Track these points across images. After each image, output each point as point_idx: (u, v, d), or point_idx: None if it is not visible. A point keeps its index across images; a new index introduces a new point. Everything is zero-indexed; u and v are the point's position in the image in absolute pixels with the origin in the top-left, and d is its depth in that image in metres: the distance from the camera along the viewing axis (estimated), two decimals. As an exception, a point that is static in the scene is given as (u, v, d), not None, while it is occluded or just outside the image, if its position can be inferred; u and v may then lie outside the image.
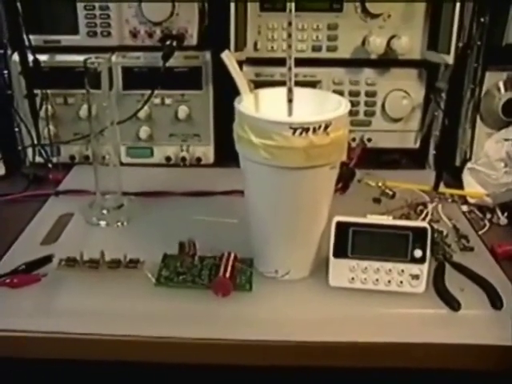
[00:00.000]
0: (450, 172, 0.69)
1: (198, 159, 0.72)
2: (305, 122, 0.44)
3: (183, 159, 0.72)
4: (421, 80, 0.69)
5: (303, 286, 0.51)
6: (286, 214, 0.48)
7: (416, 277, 0.48)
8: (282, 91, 0.49)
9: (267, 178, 0.47)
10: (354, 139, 0.71)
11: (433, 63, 0.68)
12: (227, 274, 0.49)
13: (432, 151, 0.73)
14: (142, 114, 0.70)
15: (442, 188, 0.65)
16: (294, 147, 0.44)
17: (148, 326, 0.46)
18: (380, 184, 0.66)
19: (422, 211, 0.61)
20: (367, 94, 0.70)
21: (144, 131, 0.71)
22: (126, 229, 0.59)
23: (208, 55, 0.68)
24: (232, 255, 0.51)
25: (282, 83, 0.49)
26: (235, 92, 0.49)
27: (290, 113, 0.49)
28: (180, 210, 0.62)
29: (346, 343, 0.45)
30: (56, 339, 0.46)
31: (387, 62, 0.68)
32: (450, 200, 0.64)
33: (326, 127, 0.45)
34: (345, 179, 0.65)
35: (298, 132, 0.44)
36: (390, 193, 0.65)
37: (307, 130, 0.44)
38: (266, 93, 0.51)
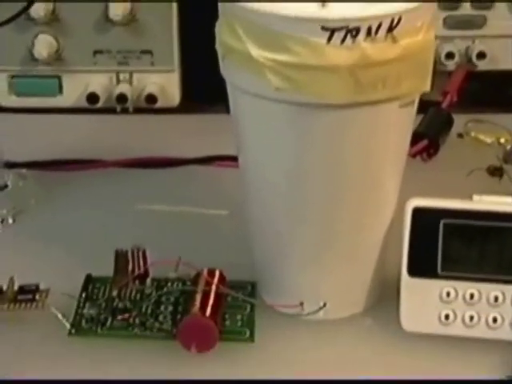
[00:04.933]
0: None
1: (150, 99, 0.74)
2: (350, 17, 0.45)
3: (121, 99, 0.74)
4: None
5: (352, 333, 0.52)
6: (318, 197, 0.50)
7: None
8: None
9: (282, 128, 0.48)
10: (450, 55, 0.73)
11: None
12: (207, 311, 0.50)
13: None
14: (38, 11, 0.71)
15: None
16: (330, 66, 0.45)
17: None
18: (502, 140, 0.68)
19: None
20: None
21: (43, 44, 0.72)
22: (13, 230, 0.62)
23: None
24: (216, 275, 0.53)
25: None
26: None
27: (322, 1, 0.50)
28: (117, 194, 0.64)
29: None
30: None
31: None
32: None
33: (392, 28, 0.45)
34: (432, 132, 0.67)
35: (339, 37, 0.45)
36: (521, 157, 0.67)
37: (355, 32, 0.45)
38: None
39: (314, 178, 0.49)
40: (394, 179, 0.52)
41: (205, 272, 0.53)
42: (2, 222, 0.62)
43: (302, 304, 0.52)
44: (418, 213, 0.51)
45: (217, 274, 0.53)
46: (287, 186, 0.50)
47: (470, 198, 0.52)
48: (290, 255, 0.52)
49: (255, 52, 0.46)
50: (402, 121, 0.50)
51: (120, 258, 0.53)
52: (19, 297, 0.53)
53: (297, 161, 0.49)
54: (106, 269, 0.54)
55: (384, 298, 0.53)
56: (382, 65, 0.45)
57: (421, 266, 0.51)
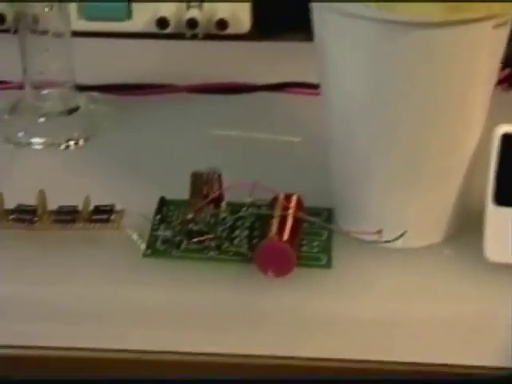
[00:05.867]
0: None
1: (221, 24, 0.74)
2: None
3: (191, 24, 0.74)
4: None
5: (432, 262, 0.52)
6: (406, 119, 0.49)
7: None
8: None
9: (369, 48, 0.47)
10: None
11: None
12: (285, 236, 0.50)
13: None
14: None
15: None
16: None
17: (135, 334, 0.49)
18: None
19: None
20: None
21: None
22: (85, 152, 0.62)
23: None
24: (293, 200, 0.52)
25: None
26: None
27: None
28: (190, 119, 0.64)
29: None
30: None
31: None
32: None
33: None
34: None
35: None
36: None
37: None
38: None
39: (402, 100, 0.48)
40: (482, 103, 0.51)
41: (281, 196, 0.52)
42: (76, 143, 0.62)
43: (380, 231, 0.51)
44: (506, 139, 0.49)
45: (294, 198, 0.52)
46: (375, 109, 0.49)
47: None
48: (373, 180, 0.51)
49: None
50: (495, 42, 0.49)
51: (196, 180, 0.53)
52: (94, 217, 0.53)
53: (385, 82, 0.48)
54: (179, 192, 0.53)
55: (464, 229, 0.53)
56: (476, -17, 0.45)
57: (507, 195, 0.50)
